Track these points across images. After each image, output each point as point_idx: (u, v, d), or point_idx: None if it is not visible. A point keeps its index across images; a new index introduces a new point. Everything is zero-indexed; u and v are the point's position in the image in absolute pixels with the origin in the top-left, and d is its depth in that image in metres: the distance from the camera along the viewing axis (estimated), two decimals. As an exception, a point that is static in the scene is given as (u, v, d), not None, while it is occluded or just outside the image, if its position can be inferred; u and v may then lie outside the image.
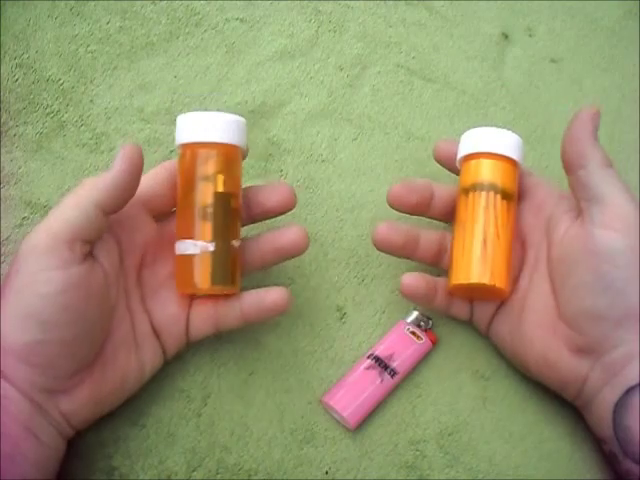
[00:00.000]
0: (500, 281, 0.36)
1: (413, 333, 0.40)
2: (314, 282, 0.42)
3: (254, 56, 0.49)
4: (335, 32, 0.51)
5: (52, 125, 0.45)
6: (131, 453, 0.37)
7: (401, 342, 0.40)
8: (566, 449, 0.39)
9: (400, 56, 0.51)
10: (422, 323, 0.41)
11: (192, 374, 0.39)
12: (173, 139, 0.46)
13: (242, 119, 0.36)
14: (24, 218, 0.42)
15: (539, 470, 0.38)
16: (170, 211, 0.38)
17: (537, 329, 0.36)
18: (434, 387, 0.40)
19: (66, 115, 0.46)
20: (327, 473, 0.37)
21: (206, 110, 0.47)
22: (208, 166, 0.35)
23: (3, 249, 0.41)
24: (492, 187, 0.36)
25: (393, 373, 0.39)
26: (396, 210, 0.39)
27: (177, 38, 0.49)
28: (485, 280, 0.36)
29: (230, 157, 0.36)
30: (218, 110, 0.47)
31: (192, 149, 0.35)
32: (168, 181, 0.36)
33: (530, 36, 0.53)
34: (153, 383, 0.38)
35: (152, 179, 0.36)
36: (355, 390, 0.38)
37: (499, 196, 0.36)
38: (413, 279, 0.38)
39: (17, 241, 0.41)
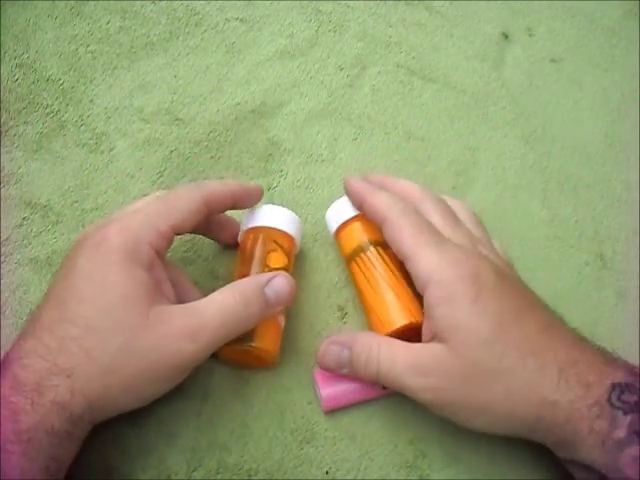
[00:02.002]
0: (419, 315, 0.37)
1: None
2: (315, 282, 0.42)
3: (254, 56, 0.49)
4: (335, 32, 0.51)
5: (52, 125, 0.45)
6: (131, 452, 0.37)
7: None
8: (566, 449, 0.39)
9: (400, 56, 0.51)
10: None
11: (192, 374, 0.39)
12: (173, 139, 0.46)
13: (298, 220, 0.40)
14: (24, 218, 0.42)
15: (539, 471, 0.38)
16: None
17: None
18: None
19: (66, 115, 0.46)
20: (327, 473, 0.37)
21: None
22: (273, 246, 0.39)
23: (3, 249, 0.41)
24: (370, 243, 0.39)
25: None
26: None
27: (177, 38, 0.49)
28: (411, 319, 0.37)
29: (288, 245, 0.40)
30: (218, 111, 0.47)
31: (264, 232, 0.39)
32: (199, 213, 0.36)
33: (530, 36, 0.53)
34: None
35: (186, 206, 0.35)
36: (348, 377, 0.37)
37: (378, 247, 0.39)
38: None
39: (17, 241, 0.41)
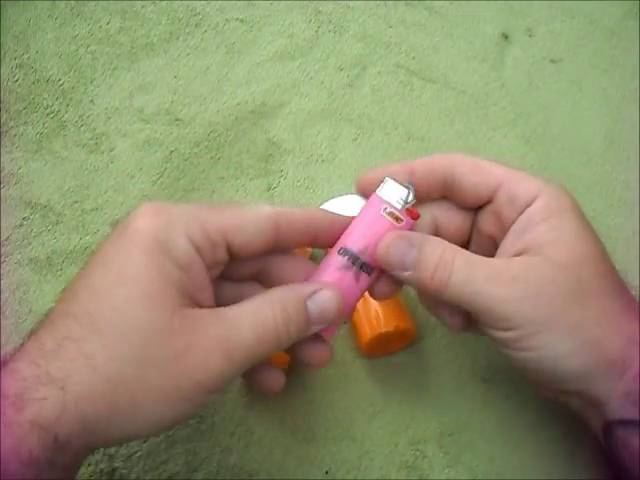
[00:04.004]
0: (405, 323, 0.38)
1: (391, 214, 0.31)
2: (314, 282, 0.42)
3: (254, 56, 0.49)
4: (335, 32, 0.51)
5: (52, 125, 0.45)
6: (132, 454, 0.37)
7: (377, 229, 0.31)
8: (566, 450, 0.39)
9: (400, 56, 0.51)
10: (402, 197, 0.31)
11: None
12: (173, 139, 0.46)
13: None
14: (24, 218, 0.42)
15: (539, 471, 0.38)
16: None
17: None
18: (434, 387, 0.40)
19: (66, 115, 0.46)
20: (327, 473, 0.37)
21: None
22: None
23: (3, 249, 0.41)
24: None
25: (370, 271, 0.31)
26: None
27: (177, 38, 0.49)
28: (398, 324, 0.38)
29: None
30: (218, 111, 0.47)
31: None
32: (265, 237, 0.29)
33: (530, 36, 0.53)
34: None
35: (249, 216, 0.29)
36: None
37: None
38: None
39: (17, 241, 0.41)
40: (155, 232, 0.26)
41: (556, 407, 0.39)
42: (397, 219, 0.31)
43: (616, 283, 0.30)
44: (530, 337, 0.29)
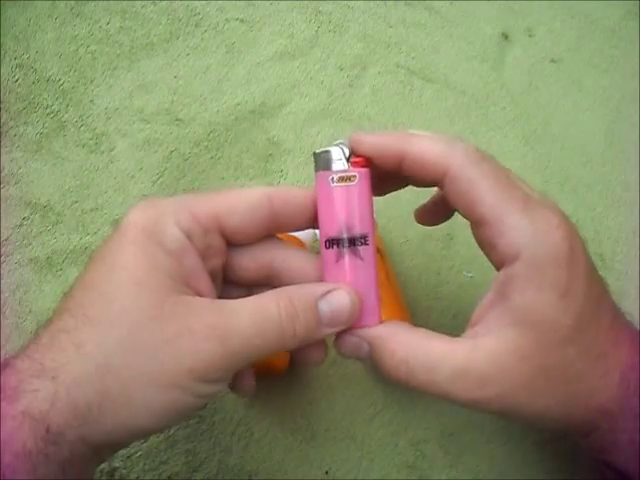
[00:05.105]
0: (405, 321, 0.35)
1: (342, 179, 0.29)
2: (314, 282, 0.42)
3: (254, 56, 0.49)
4: (335, 32, 0.51)
5: (52, 125, 0.45)
6: (132, 454, 0.37)
7: (340, 201, 0.29)
8: (566, 450, 0.39)
9: (400, 56, 0.51)
10: (340, 157, 0.29)
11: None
12: (173, 139, 0.46)
13: None
14: (24, 218, 0.42)
15: (539, 471, 0.38)
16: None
17: None
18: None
19: (66, 115, 0.46)
20: (327, 473, 0.37)
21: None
22: None
23: (3, 249, 0.41)
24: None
25: (365, 240, 0.29)
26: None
27: (177, 38, 0.49)
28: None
29: None
30: (218, 111, 0.47)
31: None
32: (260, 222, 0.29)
33: (530, 36, 0.53)
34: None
35: (241, 195, 0.28)
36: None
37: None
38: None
39: (17, 241, 0.41)
40: (144, 222, 0.26)
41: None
42: (349, 179, 0.28)
43: (595, 342, 0.28)
44: (500, 417, 0.28)
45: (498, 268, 0.28)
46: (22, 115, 0.45)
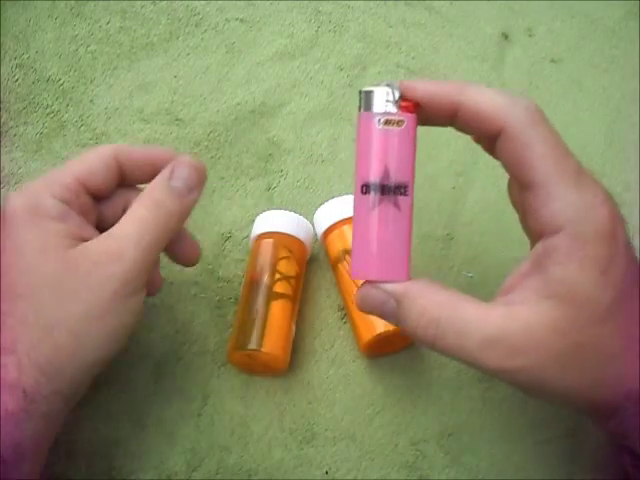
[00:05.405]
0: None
1: (389, 122, 0.27)
2: (315, 281, 0.42)
3: (254, 56, 0.49)
4: (335, 32, 0.51)
5: (52, 125, 0.45)
6: (131, 453, 0.37)
7: (384, 145, 0.27)
8: (566, 450, 0.39)
9: (400, 56, 0.51)
10: (389, 99, 0.28)
11: (192, 374, 0.39)
12: (173, 139, 0.46)
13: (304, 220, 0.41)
14: (24, 218, 0.42)
15: (539, 471, 0.38)
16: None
17: None
18: (434, 387, 0.40)
19: (66, 115, 0.46)
20: (327, 473, 0.37)
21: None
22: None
23: (3, 249, 0.41)
24: None
25: (404, 190, 0.28)
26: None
27: (177, 38, 0.49)
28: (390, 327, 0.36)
29: (299, 250, 0.40)
30: (218, 111, 0.47)
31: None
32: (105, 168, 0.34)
33: (530, 36, 0.53)
34: (153, 383, 0.38)
35: (92, 158, 0.33)
36: (387, 247, 0.28)
37: None
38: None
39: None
40: (26, 203, 0.31)
41: (556, 407, 0.39)
42: (397, 123, 0.27)
43: (629, 323, 0.27)
44: (526, 392, 0.29)
45: (530, 234, 0.28)
46: (22, 115, 0.45)
